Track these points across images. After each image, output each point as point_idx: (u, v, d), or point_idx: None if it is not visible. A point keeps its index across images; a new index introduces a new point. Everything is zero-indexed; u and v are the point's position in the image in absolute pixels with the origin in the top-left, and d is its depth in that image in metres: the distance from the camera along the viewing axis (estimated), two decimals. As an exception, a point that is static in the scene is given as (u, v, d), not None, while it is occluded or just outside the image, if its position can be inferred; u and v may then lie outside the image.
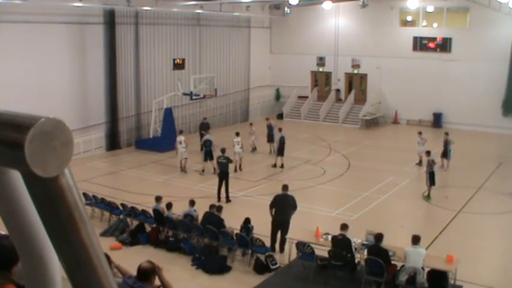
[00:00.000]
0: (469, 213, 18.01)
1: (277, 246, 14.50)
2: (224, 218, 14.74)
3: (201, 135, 26.33)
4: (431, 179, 19.05)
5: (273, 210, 14.48)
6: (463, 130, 31.54)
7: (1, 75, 21.85)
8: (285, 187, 14.96)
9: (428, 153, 20.03)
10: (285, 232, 14.32)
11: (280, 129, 24.58)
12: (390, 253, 12.16)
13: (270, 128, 26.37)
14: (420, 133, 24.40)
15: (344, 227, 12.82)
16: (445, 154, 23.00)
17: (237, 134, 24.01)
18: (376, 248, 12.20)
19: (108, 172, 23.46)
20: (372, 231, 13.18)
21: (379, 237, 12.29)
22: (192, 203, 15.53)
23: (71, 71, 25.33)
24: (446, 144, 22.98)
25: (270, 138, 26.16)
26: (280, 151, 23.40)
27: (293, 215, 14.56)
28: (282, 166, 23.42)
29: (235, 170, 22.33)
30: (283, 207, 14.46)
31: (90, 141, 25.71)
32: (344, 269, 12.65)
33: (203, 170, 22.32)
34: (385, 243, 12.34)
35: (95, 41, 25.94)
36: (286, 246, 14.07)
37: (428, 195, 19.14)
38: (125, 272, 7.12)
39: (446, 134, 23.74)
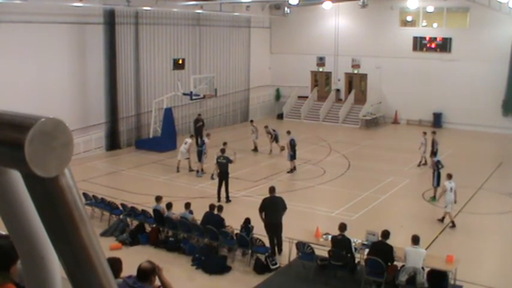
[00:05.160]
0: (469, 213, 18.01)
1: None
2: (224, 218, 14.74)
3: (196, 131, 26.49)
4: (437, 180, 19.04)
5: (263, 213, 14.35)
6: (463, 130, 31.58)
7: (1, 75, 21.85)
8: (272, 189, 14.81)
9: (433, 154, 20.02)
10: (278, 234, 14.24)
11: (289, 132, 23.53)
12: (394, 249, 12.15)
13: (272, 131, 26.28)
14: (425, 133, 24.31)
15: (342, 227, 12.82)
16: (435, 153, 22.88)
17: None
18: (381, 243, 12.21)
19: (108, 172, 23.46)
20: (372, 231, 13.20)
21: (385, 233, 12.32)
22: (187, 205, 15.49)
23: (71, 71, 25.33)
24: (434, 143, 22.89)
25: (275, 139, 26.06)
26: (292, 155, 22.65)
27: (284, 216, 14.42)
28: (291, 170, 22.80)
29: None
30: (273, 210, 14.31)
31: (90, 141, 25.71)
32: (344, 269, 12.66)
33: (197, 171, 22.29)
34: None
35: (95, 41, 25.94)
36: (286, 246, 14.04)
37: (434, 197, 19.11)
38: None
39: (434, 133, 23.69)
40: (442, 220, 16.85)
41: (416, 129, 32.14)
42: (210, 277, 13.20)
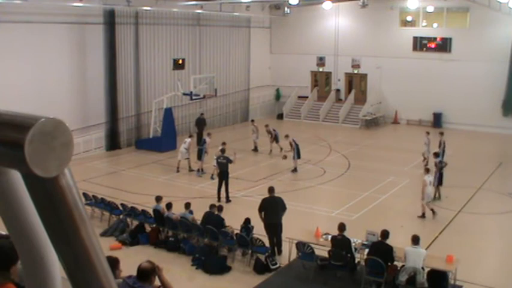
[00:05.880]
0: (469, 213, 18.01)
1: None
2: (224, 218, 14.74)
3: (199, 131, 26.63)
4: (439, 180, 19.07)
5: (263, 213, 14.32)
6: (463, 130, 31.57)
7: (1, 75, 21.85)
8: (272, 190, 14.75)
9: (436, 154, 20.03)
10: (278, 235, 14.23)
11: (287, 136, 23.51)
12: (394, 249, 12.15)
13: (273, 130, 26.31)
14: (428, 133, 24.28)
15: (341, 227, 12.82)
16: (438, 154, 22.78)
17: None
18: (381, 244, 12.21)
19: (108, 172, 23.46)
20: (372, 231, 13.20)
21: (385, 233, 12.32)
22: (187, 205, 15.49)
23: (71, 71, 25.34)
24: (441, 144, 22.80)
25: (275, 139, 26.06)
26: (298, 154, 22.72)
27: (284, 216, 14.41)
28: (295, 169, 22.84)
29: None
30: (273, 210, 14.28)
31: (90, 141, 25.71)
32: (344, 269, 12.66)
33: (198, 170, 22.33)
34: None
35: (95, 41, 25.94)
36: (287, 246, 14.04)
37: (439, 196, 19.13)
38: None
39: (442, 134, 23.67)
40: (423, 216, 17.30)
41: (416, 129, 32.17)
42: (210, 277, 13.20)
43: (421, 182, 17.39)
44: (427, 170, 17.68)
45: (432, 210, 17.24)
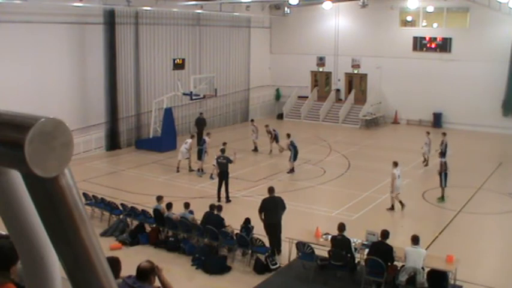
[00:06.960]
0: (469, 213, 18.01)
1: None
2: (224, 218, 14.74)
3: (199, 131, 26.60)
4: (445, 181, 19.04)
5: (263, 214, 14.32)
6: (463, 130, 31.56)
7: (1, 75, 21.85)
8: (272, 190, 14.73)
9: (441, 154, 20.02)
10: (278, 234, 14.23)
11: (288, 135, 23.52)
12: (394, 249, 12.15)
13: (273, 130, 26.32)
14: (428, 133, 24.29)
15: (341, 227, 12.82)
16: (444, 154, 22.83)
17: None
18: (381, 244, 12.21)
19: (108, 172, 23.46)
20: (372, 231, 13.21)
21: (385, 233, 12.32)
22: (186, 205, 15.50)
23: (71, 71, 25.33)
24: (442, 144, 22.78)
25: (275, 138, 26.05)
26: (295, 156, 22.72)
27: (283, 216, 14.42)
28: (290, 170, 22.86)
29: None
30: (273, 210, 14.29)
31: (90, 141, 25.71)
32: (344, 269, 12.66)
33: (198, 170, 22.35)
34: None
35: (95, 41, 25.94)
36: (287, 246, 14.04)
37: (442, 198, 19.10)
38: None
39: (444, 134, 23.66)
40: (392, 208, 17.95)
41: (416, 129, 32.17)
42: (210, 277, 13.20)
43: (390, 175, 17.88)
44: (395, 164, 17.90)
45: (401, 202, 17.82)
